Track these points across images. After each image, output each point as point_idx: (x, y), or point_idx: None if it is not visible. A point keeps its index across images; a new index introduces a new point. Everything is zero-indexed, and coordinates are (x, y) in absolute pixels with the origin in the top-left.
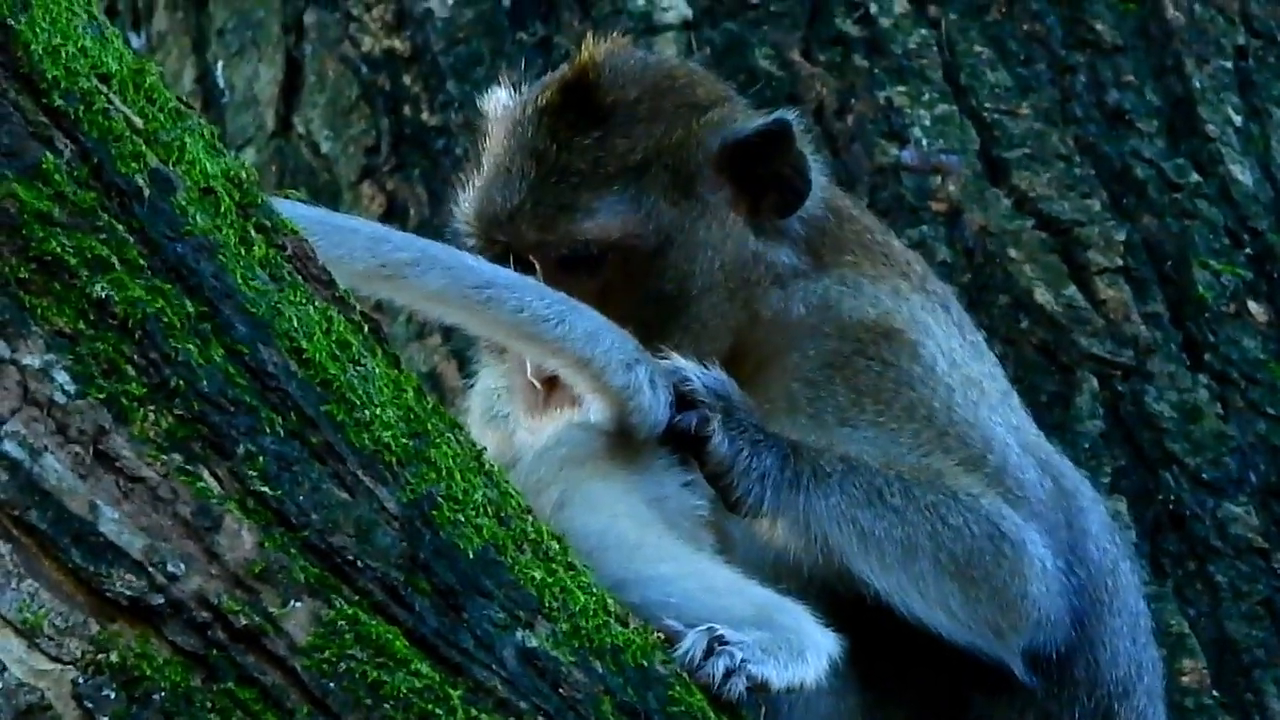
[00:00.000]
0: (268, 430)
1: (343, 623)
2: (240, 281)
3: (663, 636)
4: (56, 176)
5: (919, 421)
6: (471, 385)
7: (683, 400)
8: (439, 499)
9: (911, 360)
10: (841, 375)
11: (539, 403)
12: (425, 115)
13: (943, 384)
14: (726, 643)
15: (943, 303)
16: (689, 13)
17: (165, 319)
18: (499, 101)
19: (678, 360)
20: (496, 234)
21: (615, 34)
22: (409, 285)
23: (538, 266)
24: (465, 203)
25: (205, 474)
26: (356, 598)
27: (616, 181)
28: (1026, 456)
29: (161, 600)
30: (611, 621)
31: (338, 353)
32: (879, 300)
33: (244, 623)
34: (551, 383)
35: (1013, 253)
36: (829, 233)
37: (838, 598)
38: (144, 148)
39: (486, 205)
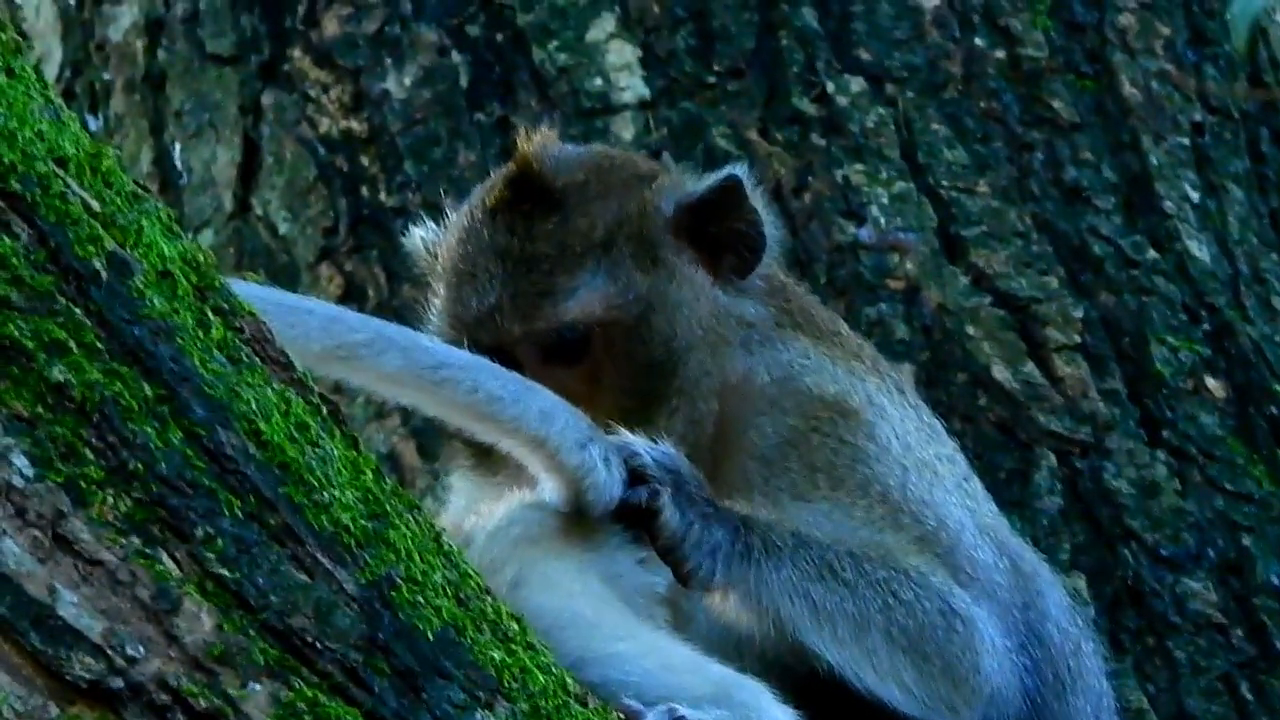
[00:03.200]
0: (226, 512)
1: (302, 704)
2: (198, 364)
3: (622, 716)
4: (14, 260)
5: (872, 498)
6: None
7: (634, 476)
8: (398, 580)
9: (867, 439)
10: (797, 452)
11: None
12: (383, 196)
13: (897, 463)
14: None
15: (897, 385)
16: (646, 92)
17: (123, 402)
18: (422, 236)
19: (627, 436)
20: (479, 335)
21: (542, 128)
22: (364, 366)
23: (523, 363)
24: (436, 317)
25: (164, 556)
26: (316, 679)
27: (587, 260)
28: (982, 538)
29: (121, 683)
30: (571, 701)
31: (296, 434)
32: (838, 378)
33: (204, 705)
34: None
35: (970, 330)
36: (784, 302)
37: (795, 674)
38: (101, 231)
39: (463, 310)
